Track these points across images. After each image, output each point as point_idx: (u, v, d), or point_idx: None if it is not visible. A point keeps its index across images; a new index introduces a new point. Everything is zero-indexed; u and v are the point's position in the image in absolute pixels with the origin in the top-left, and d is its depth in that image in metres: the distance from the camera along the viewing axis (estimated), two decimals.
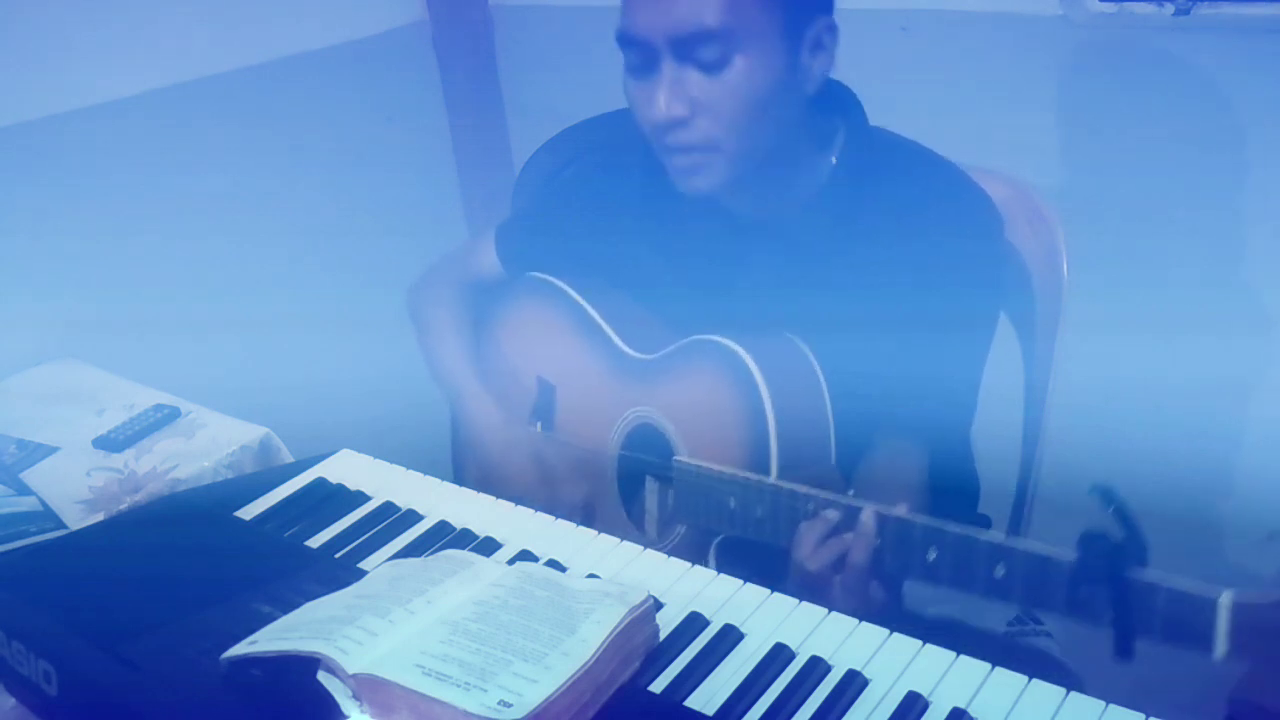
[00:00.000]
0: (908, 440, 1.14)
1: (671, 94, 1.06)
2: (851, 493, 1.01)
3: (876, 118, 1.22)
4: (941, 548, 0.93)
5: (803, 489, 1.02)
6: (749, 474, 1.07)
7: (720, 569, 0.96)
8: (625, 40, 1.09)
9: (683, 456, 1.15)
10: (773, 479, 1.06)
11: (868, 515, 0.97)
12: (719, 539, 1.12)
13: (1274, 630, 0.76)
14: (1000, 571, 0.89)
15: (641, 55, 1.08)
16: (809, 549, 0.99)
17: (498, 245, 1.40)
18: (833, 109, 1.17)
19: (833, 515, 0.99)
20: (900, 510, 0.96)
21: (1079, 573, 0.84)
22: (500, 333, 1.39)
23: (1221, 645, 0.78)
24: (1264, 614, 0.76)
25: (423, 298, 1.45)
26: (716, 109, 1.07)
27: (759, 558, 1.05)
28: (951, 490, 1.17)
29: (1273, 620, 0.76)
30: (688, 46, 1.05)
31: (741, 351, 1.11)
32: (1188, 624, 0.79)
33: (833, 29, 1.11)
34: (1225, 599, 0.78)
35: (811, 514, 1.01)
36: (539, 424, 1.33)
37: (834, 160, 1.17)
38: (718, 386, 1.13)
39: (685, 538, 1.17)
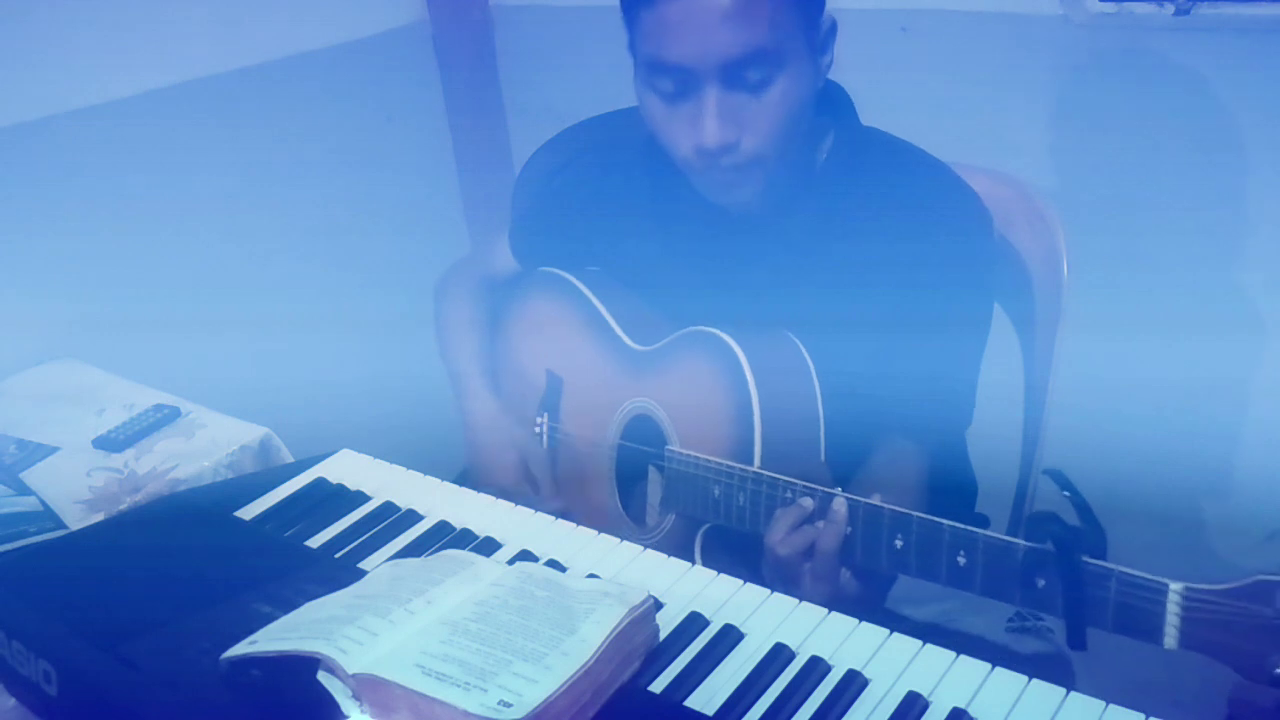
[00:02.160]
0: (907, 441, 1.14)
1: (722, 119, 1.05)
2: (840, 490, 1.01)
3: (877, 118, 1.22)
4: (906, 535, 0.94)
5: (783, 478, 1.03)
6: (731, 463, 1.08)
7: (705, 558, 0.96)
8: (661, 68, 1.06)
9: (674, 446, 1.16)
10: (755, 468, 1.07)
11: (839, 503, 0.98)
12: (705, 527, 1.13)
13: (1226, 622, 0.76)
14: (962, 559, 0.90)
15: (679, 81, 1.06)
16: (781, 534, 1.00)
17: (511, 242, 1.41)
18: (825, 107, 1.18)
19: (808, 503, 1.00)
20: (875, 499, 0.97)
21: (1031, 557, 0.85)
22: (513, 327, 1.40)
23: (1172, 635, 0.78)
24: (1216, 604, 0.76)
25: (444, 297, 1.47)
26: (762, 127, 1.07)
27: (743, 547, 1.06)
28: (948, 490, 1.17)
29: (1224, 611, 0.76)
30: (736, 70, 1.04)
31: (731, 342, 1.12)
32: (1138, 612, 0.80)
33: (834, 28, 1.12)
34: (1176, 587, 0.78)
35: (788, 502, 1.02)
36: (546, 415, 1.34)
37: (824, 156, 1.18)
38: (707, 376, 1.14)
39: (673, 526, 1.18)
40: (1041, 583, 0.85)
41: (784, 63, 1.05)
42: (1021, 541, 0.86)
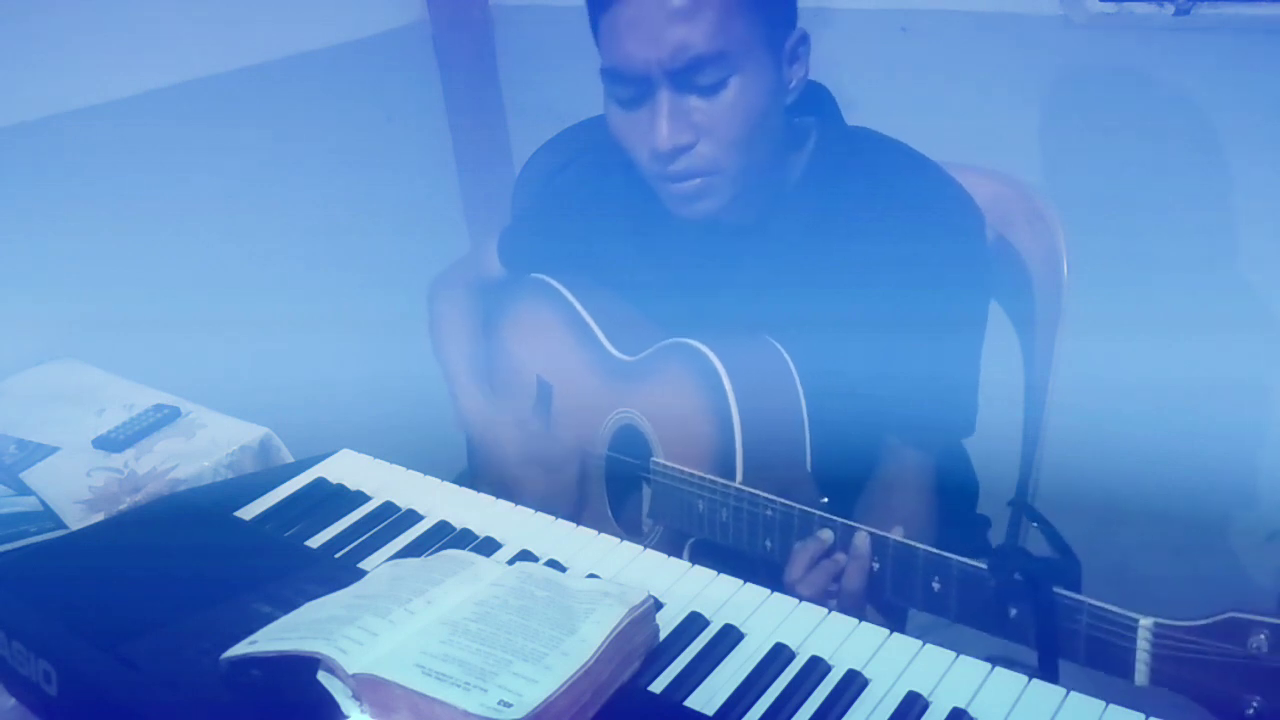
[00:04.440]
0: (909, 448, 1.13)
1: (673, 123, 1.05)
2: (825, 500, 1.01)
3: (876, 118, 1.22)
4: (882, 559, 0.94)
5: (763, 495, 1.02)
6: (715, 478, 1.07)
7: None
8: (615, 76, 1.07)
9: (659, 458, 1.15)
10: (738, 483, 1.06)
11: (861, 538, 0.96)
12: (692, 541, 1.13)
13: (1196, 660, 0.75)
14: (937, 585, 0.90)
15: (633, 88, 1.07)
16: (800, 572, 0.98)
17: (499, 247, 1.41)
18: (807, 108, 1.17)
19: (827, 536, 0.98)
20: (884, 531, 0.96)
21: (1000, 589, 0.85)
22: (504, 333, 1.40)
23: (1142, 671, 0.78)
24: (1187, 642, 0.75)
25: (437, 297, 1.47)
26: (717, 131, 1.06)
27: (730, 560, 1.05)
28: (950, 492, 1.17)
29: (1195, 649, 0.75)
30: (685, 75, 1.04)
31: (711, 355, 1.11)
32: (1108, 646, 0.79)
33: (805, 40, 1.11)
34: (1146, 622, 0.77)
35: (770, 520, 1.01)
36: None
37: (806, 158, 1.17)
38: (688, 389, 1.13)
39: (661, 539, 1.17)
40: (1014, 613, 0.85)
41: (737, 67, 1.05)
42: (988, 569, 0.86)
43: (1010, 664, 0.82)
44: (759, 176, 1.12)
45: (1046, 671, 0.82)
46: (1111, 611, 0.79)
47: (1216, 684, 0.74)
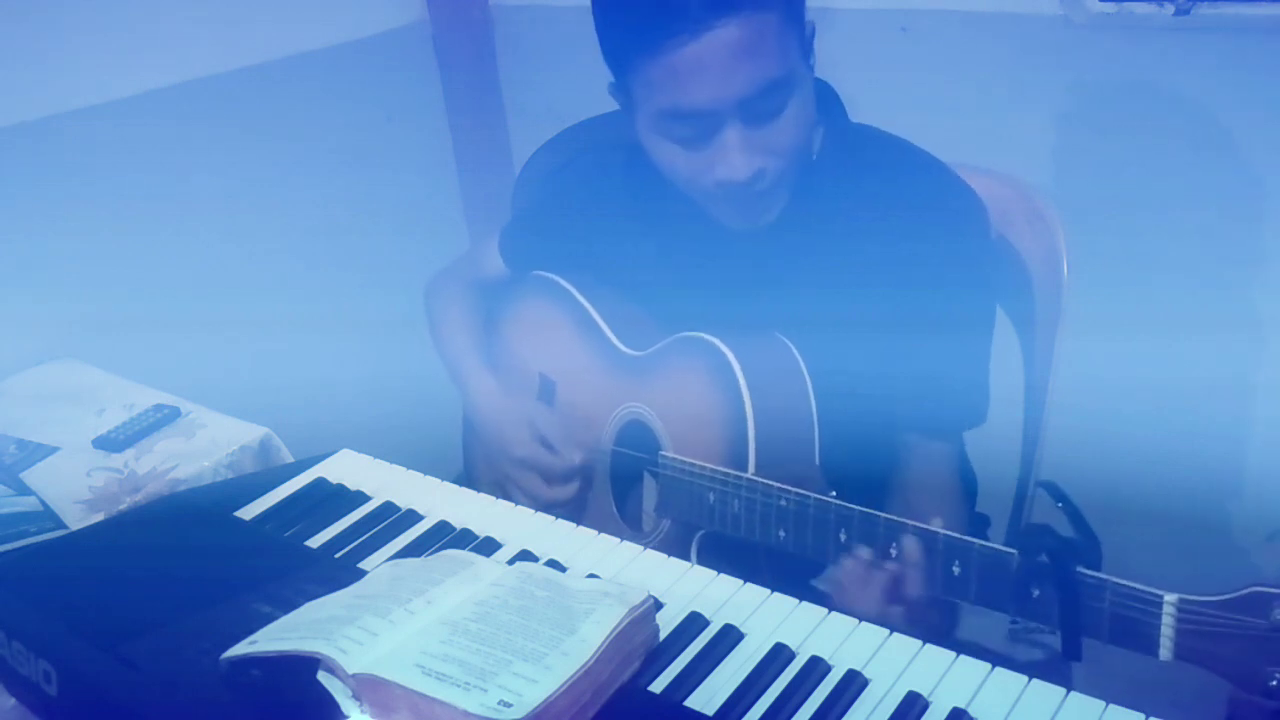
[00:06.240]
0: (933, 440, 1.14)
1: (748, 152, 1.05)
2: (834, 494, 1.01)
3: (877, 118, 1.22)
4: (901, 544, 0.94)
5: (777, 485, 1.03)
6: (726, 469, 1.08)
7: (701, 564, 0.97)
8: (677, 115, 1.05)
9: (668, 451, 1.15)
10: (749, 474, 1.07)
11: (911, 542, 0.94)
12: (700, 534, 1.13)
13: (1220, 634, 0.75)
14: (957, 569, 0.90)
15: (698, 125, 1.06)
16: (857, 591, 0.96)
17: (501, 245, 1.41)
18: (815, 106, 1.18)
19: (865, 554, 0.97)
20: (924, 524, 0.96)
21: (1025, 568, 0.85)
22: (507, 330, 1.40)
23: (1167, 647, 0.78)
24: (1210, 616, 0.76)
25: (435, 296, 1.47)
26: (783, 148, 1.08)
27: (739, 553, 1.06)
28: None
29: (1219, 623, 0.75)
30: (754, 103, 1.04)
31: (724, 348, 1.12)
32: (1133, 623, 0.80)
33: (812, 27, 1.12)
34: (1170, 598, 0.78)
35: (785, 510, 1.01)
36: None
37: (814, 155, 1.17)
38: (700, 382, 1.13)
39: (669, 532, 1.17)
40: (1036, 593, 0.85)
41: (794, 83, 1.06)
42: (1016, 552, 0.86)
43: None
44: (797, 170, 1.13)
45: (1070, 650, 0.83)
46: (1136, 589, 0.80)
47: (1240, 658, 0.75)
